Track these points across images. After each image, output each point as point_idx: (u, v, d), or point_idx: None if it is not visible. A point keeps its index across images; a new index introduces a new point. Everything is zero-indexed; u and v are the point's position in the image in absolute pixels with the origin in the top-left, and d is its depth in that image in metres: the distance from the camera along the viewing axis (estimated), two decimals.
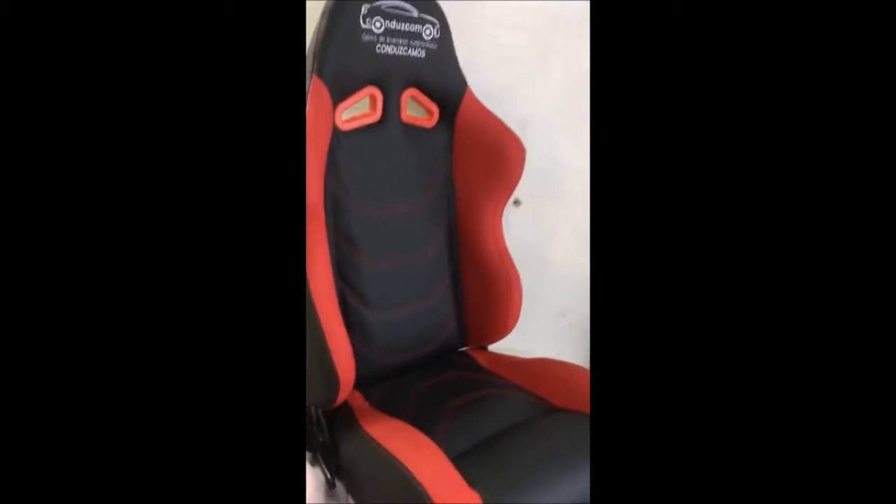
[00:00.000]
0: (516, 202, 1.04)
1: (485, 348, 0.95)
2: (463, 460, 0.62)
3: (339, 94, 0.74)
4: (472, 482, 0.57)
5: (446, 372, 0.84)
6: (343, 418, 0.73)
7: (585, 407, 0.72)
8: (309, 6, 0.62)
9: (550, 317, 1.19)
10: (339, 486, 0.73)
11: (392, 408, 0.74)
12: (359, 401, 0.78)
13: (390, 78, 0.78)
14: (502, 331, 0.90)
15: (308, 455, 0.75)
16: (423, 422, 0.69)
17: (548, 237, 1.10)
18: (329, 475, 0.71)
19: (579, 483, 0.61)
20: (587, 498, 0.61)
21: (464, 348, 0.95)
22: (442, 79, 0.83)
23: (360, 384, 0.81)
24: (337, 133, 0.76)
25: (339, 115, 0.75)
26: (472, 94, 0.86)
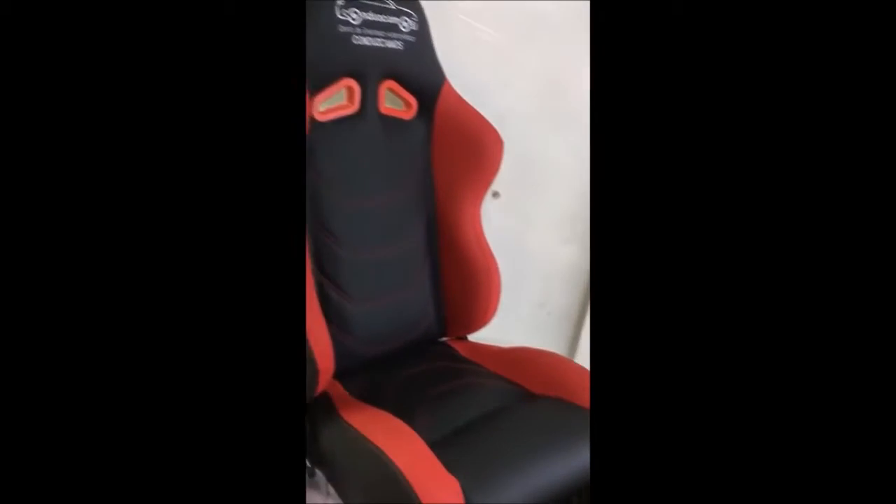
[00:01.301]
0: (495, 194, 1.06)
1: (465, 338, 0.96)
2: (442, 447, 0.62)
3: (316, 84, 0.74)
4: (450, 467, 0.58)
5: (426, 362, 0.85)
6: (323, 408, 0.73)
7: (562, 393, 0.74)
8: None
9: (530, 307, 1.20)
10: (320, 475, 0.74)
11: (372, 398, 0.75)
12: (339, 391, 0.78)
13: (367, 69, 0.78)
14: (482, 321, 0.92)
15: None
16: (403, 410, 0.70)
17: (526, 228, 1.11)
18: (309, 464, 0.72)
19: (556, 466, 0.62)
20: (564, 480, 0.62)
21: (444, 338, 0.96)
22: (420, 71, 0.83)
23: (340, 375, 0.82)
24: (314, 124, 0.76)
25: (316, 105, 0.75)
26: (450, 87, 0.87)
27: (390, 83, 0.83)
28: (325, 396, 0.76)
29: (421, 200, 0.89)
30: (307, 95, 0.72)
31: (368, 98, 0.80)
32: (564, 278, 1.18)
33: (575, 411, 0.70)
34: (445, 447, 0.62)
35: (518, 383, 0.80)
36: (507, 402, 0.73)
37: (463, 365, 0.85)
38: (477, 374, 0.81)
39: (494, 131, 0.86)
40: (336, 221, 0.78)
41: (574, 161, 1.06)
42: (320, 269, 0.78)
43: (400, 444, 0.59)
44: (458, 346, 0.93)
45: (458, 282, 0.91)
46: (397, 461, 0.56)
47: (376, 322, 0.83)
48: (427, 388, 0.75)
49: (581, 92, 1.01)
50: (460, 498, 0.54)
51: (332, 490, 0.72)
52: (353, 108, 0.80)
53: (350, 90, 0.79)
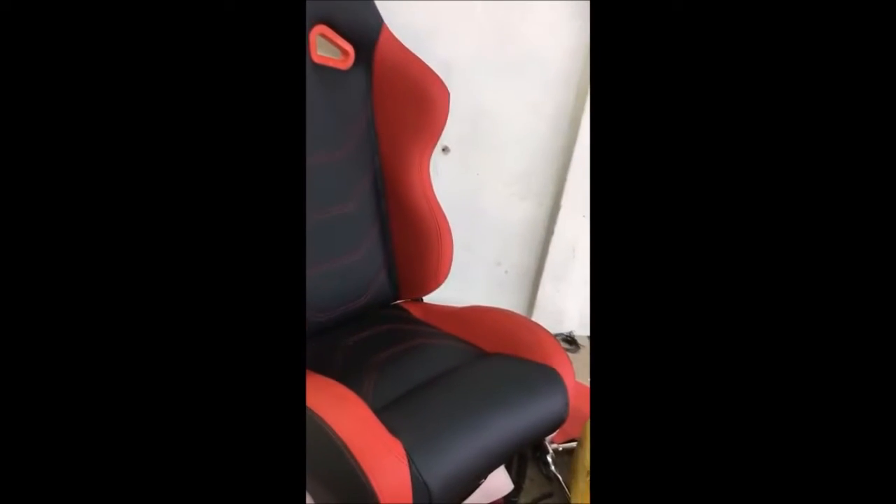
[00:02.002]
0: (445, 149, 1.01)
1: (420, 300, 0.94)
2: (388, 410, 0.61)
3: None
4: (395, 430, 0.56)
5: (376, 326, 0.82)
6: None
7: (515, 350, 0.73)
8: None
9: (487, 266, 1.19)
10: None
11: (320, 366, 0.72)
12: None
13: None
14: (434, 282, 0.89)
15: None
16: (350, 376, 0.67)
17: (479, 185, 1.08)
18: None
19: (504, 422, 0.61)
20: (513, 435, 0.61)
21: (398, 301, 0.93)
22: (354, 14, 0.77)
23: None
24: None
25: None
26: (389, 32, 0.81)
27: (322, 28, 0.76)
28: None
29: (365, 157, 0.84)
30: None
31: None
32: (521, 236, 1.16)
33: (527, 367, 0.69)
34: (392, 410, 0.60)
35: (471, 342, 0.78)
36: (458, 361, 0.72)
37: (414, 326, 0.83)
38: (428, 335, 0.79)
39: (438, 80, 0.81)
40: None
41: (527, 113, 1.03)
42: None
43: (342, 411, 0.57)
44: (411, 309, 0.91)
45: (408, 242, 0.87)
46: (338, 429, 0.53)
47: (322, 288, 0.80)
48: (376, 353, 0.73)
49: (531, 39, 0.97)
50: (403, 459, 0.53)
51: None
52: None
53: None
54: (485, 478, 0.65)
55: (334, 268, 0.81)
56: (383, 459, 0.52)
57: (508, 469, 0.79)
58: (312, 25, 0.75)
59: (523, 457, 0.82)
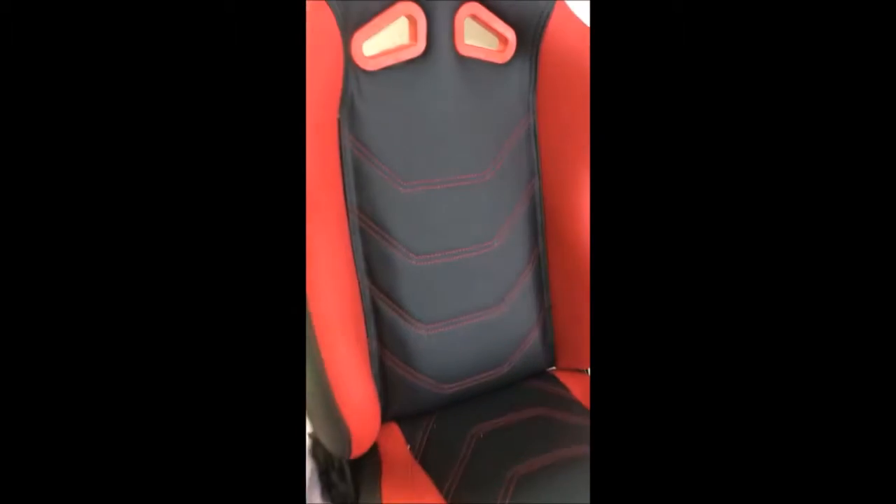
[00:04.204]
0: None
1: (584, 371, 0.71)
2: None
3: (356, 15, 0.52)
4: None
5: (521, 408, 0.61)
6: (369, 469, 0.55)
7: None
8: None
9: None
10: None
11: (435, 461, 0.54)
12: (396, 445, 0.58)
13: None
14: None
15: None
16: (475, 490, 0.48)
17: None
18: None
19: None
20: None
21: (553, 368, 0.71)
22: None
23: (401, 416, 0.62)
24: (356, 74, 0.54)
25: (357, 47, 0.54)
26: (565, 8, 0.60)
27: (474, 7, 0.58)
28: (374, 451, 0.57)
29: (519, 181, 0.65)
30: (339, 35, 0.50)
31: (439, 32, 0.57)
32: None
33: None
34: None
35: None
36: None
37: (573, 417, 0.59)
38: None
39: None
40: (389, 213, 0.57)
41: None
42: (371, 278, 0.58)
43: None
44: (569, 384, 0.68)
45: (572, 293, 0.66)
46: None
47: (452, 352, 0.61)
48: (515, 458, 0.52)
49: None
50: None
51: None
52: (418, 48, 0.57)
53: (411, 20, 0.56)
54: None
55: (471, 325, 0.62)
56: None
57: None
58: (460, 4, 0.57)
59: None
